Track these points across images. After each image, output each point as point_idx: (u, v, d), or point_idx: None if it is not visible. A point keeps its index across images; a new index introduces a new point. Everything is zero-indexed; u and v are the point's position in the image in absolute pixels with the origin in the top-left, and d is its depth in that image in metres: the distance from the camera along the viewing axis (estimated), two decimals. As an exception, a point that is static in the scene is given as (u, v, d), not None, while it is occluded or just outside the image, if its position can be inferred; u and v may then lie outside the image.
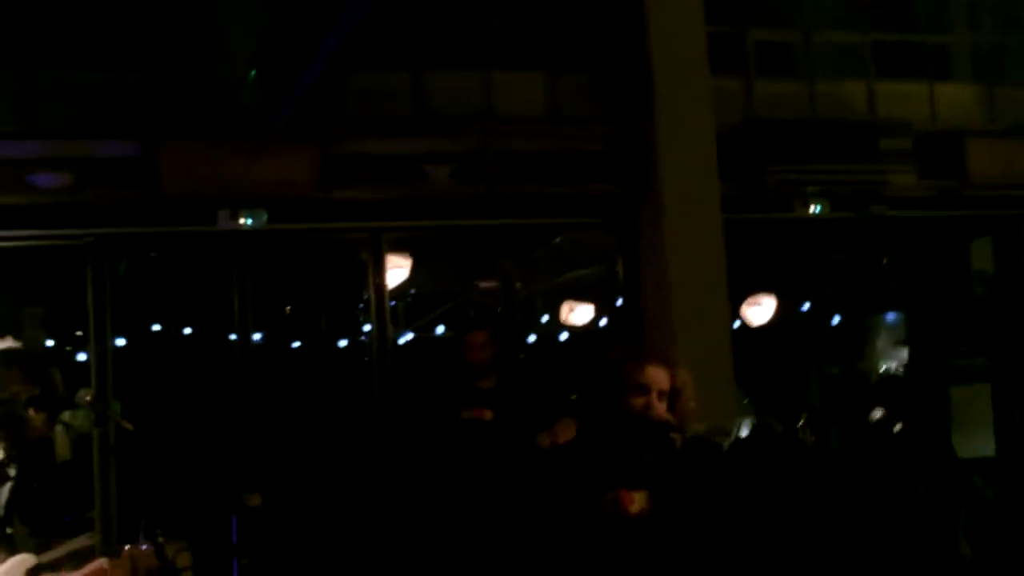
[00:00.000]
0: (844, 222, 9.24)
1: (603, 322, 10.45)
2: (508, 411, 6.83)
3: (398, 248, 8.77)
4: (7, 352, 4.74)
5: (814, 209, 8.78)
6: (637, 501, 4.49)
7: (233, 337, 8.37)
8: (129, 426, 5.37)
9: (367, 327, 8.77)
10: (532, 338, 11.40)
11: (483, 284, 11.50)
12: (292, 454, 9.76)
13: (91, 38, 7.89)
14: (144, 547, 5.15)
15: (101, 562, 5.07)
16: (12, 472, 4.58)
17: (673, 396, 4.54)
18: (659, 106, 8.31)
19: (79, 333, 9.31)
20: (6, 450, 4.51)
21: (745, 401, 8.48)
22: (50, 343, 10.05)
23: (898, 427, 6.05)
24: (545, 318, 11.79)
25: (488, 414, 6.84)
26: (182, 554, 7.63)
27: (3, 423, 4.42)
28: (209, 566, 7.62)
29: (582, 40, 8.81)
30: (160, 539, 5.19)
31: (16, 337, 8.72)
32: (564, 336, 11.47)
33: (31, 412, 4.45)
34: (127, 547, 5.15)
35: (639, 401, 4.47)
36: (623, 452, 4.55)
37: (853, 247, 10.11)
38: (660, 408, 4.49)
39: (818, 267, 9.56)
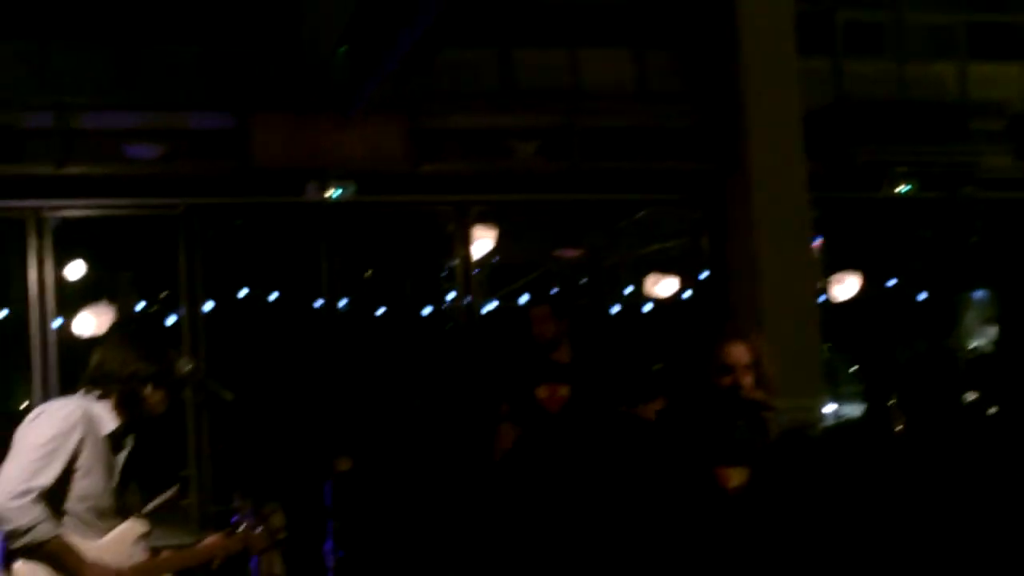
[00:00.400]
0: (933, 202, 9.16)
1: (687, 295, 10.46)
2: (585, 384, 6.75)
3: (484, 220, 8.83)
4: (125, 330, 4.86)
5: (902, 189, 8.71)
6: (735, 477, 4.59)
7: (319, 304, 8.48)
8: (230, 396, 5.47)
9: (450, 296, 8.87)
10: (616, 309, 11.45)
11: (567, 254, 11.57)
12: (380, 419, 9.92)
13: (187, 13, 8.01)
14: (258, 531, 5.23)
15: (214, 539, 5.18)
16: (129, 442, 4.70)
17: (755, 365, 4.71)
18: (746, 83, 8.26)
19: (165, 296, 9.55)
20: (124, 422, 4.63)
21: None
22: (141, 307, 10.30)
23: (993, 410, 5.97)
24: (629, 290, 11.82)
25: (564, 390, 6.78)
26: (275, 515, 7.82)
27: (123, 401, 4.55)
28: (303, 528, 7.81)
29: (669, 16, 8.77)
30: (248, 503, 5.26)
31: (110, 301, 8.96)
32: (648, 308, 11.49)
33: (149, 390, 4.55)
34: (242, 527, 5.24)
35: (727, 380, 4.67)
36: (717, 429, 4.67)
37: (941, 225, 10.01)
38: (748, 382, 4.68)
39: (905, 244, 9.46)
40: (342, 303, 8.73)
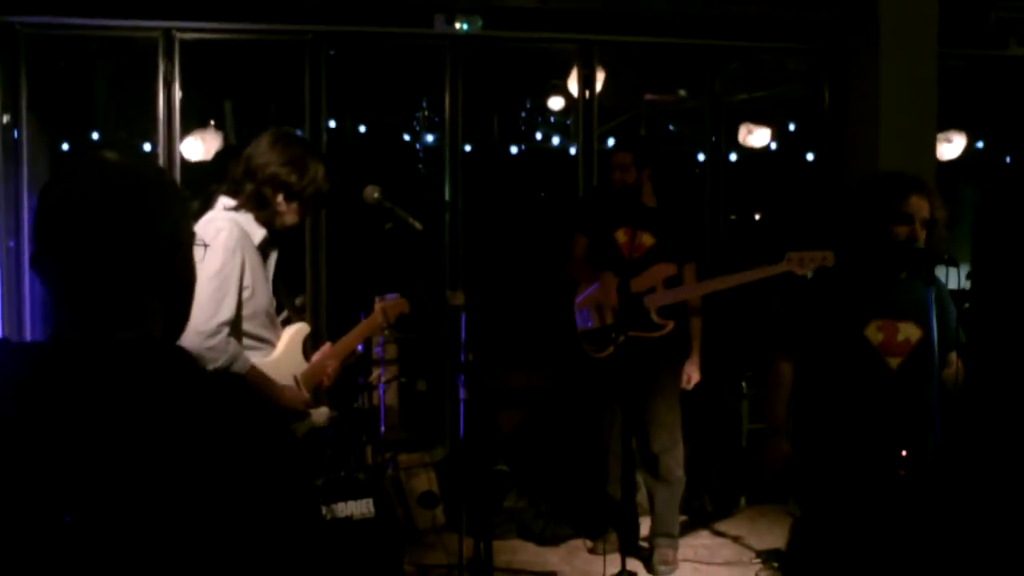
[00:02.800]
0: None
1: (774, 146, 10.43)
2: (670, 233, 6.72)
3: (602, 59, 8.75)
4: (279, 133, 4.79)
5: (1031, 47, 8.60)
6: (903, 331, 4.58)
7: (440, 135, 8.46)
8: (419, 226, 5.49)
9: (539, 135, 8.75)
10: (701, 157, 11.41)
11: (654, 98, 11.49)
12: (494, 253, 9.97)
13: None
14: (390, 296, 5.33)
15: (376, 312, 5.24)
16: (275, 249, 4.74)
17: (932, 224, 4.60)
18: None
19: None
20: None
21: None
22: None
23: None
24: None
25: (646, 237, 6.71)
26: (390, 345, 7.94)
27: (255, 204, 4.55)
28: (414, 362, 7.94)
29: None
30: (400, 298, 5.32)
31: (218, 127, 8.97)
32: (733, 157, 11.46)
33: (280, 199, 4.57)
34: (377, 299, 5.33)
35: (903, 230, 4.54)
36: (887, 280, 4.63)
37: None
38: (923, 236, 4.56)
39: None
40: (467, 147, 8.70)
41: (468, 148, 11.81)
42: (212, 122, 9.21)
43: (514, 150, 12.35)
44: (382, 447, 7.41)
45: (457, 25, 7.99)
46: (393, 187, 9.03)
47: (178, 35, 7.79)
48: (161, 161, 7.73)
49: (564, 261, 6.95)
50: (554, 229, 8.16)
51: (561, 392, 7.72)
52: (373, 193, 5.54)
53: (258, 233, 4.52)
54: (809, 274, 5.94)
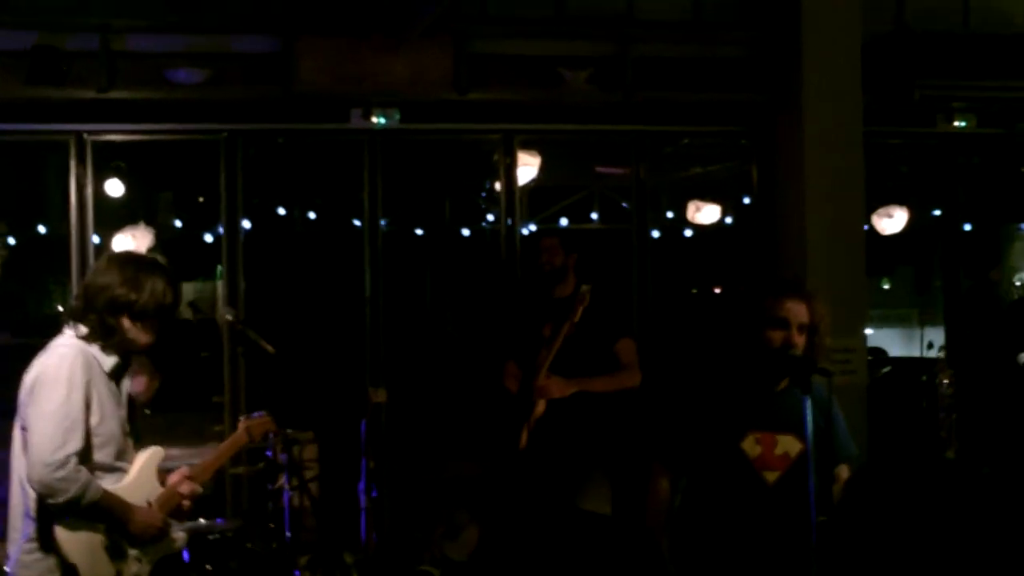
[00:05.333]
0: (988, 136, 8.97)
1: (728, 221, 10.34)
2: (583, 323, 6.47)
3: (528, 146, 8.68)
4: (115, 255, 4.73)
5: (959, 124, 8.53)
6: (782, 445, 4.42)
7: (357, 224, 8.38)
8: (271, 349, 5.41)
9: (490, 217, 8.73)
10: (656, 234, 11.34)
11: (607, 171, 11.43)
12: (417, 346, 9.86)
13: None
14: (256, 415, 5.25)
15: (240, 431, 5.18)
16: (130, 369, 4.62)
17: (811, 330, 4.43)
18: (805, 12, 8.02)
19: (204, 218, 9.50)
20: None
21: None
22: (179, 225, 10.27)
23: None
24: (670, 214, 11.70)
25: (566, 326, 6.46)
26: (309, 446, 7.82)
27: (101, 333, 4.44)
28: (337, 462, 7.80)
29: (724, -57, 8.53)
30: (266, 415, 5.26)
31: (148, 222, 8.89)
32: (688, 233, 11.39)
33: (127, 321, 4.45)
34: (241, 418, 5.27)
35: (777, 335, 4.38)
36: (765, 390, 4.48)
37: (992, 157, 9.83)
38: (800, 341, 4.39)
39: (953, 174, 9.27)
40: (382, 228, 8.61)
41: (420, 231, 11.83)
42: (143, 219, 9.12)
43: (466, 232, 12.26)
44: (294, 552, 7.26)
45: (374, 119, 7.93)
46: (341, 273, 9.11)
47: (89, 138, 7.73)
48: (74, 259, 7.66)
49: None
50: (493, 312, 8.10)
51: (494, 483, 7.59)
52: (226, 315, 5.45)
53: (108, 361, 4.41)
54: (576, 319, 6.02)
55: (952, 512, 2.34)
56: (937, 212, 9.54)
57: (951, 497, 2.59)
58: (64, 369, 4.23)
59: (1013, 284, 10.80)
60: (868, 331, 12.41)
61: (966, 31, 8.47)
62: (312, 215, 11.11)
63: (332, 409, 7.90)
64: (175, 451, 5.62)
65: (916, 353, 10.92)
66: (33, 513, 4.25)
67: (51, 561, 4.25)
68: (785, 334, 4.37)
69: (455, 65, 7.89)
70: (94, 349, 4.36)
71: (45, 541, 4.24)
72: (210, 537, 5.75)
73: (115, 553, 4.38)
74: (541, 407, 6.48)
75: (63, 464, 4.13)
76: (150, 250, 8.49)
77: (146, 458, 4.61)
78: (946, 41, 8.25)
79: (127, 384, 4.57)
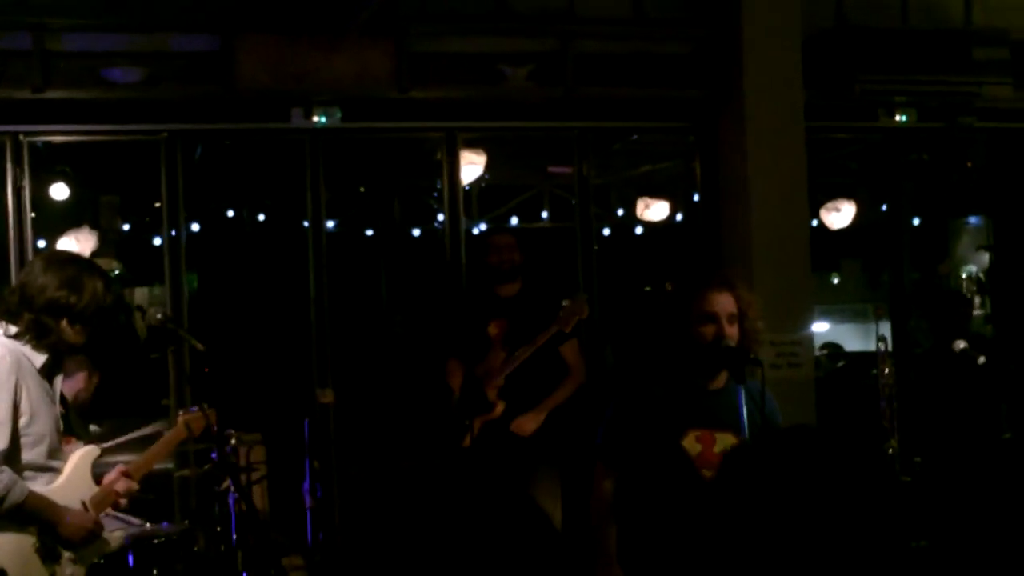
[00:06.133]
0: (930, 131, 9.02)
1: (678, 218, 10.36)
2: (522, 320, 6.66)
3: (473, 145, 8.67)
4: (50, 256, 4.72)
5: (900, 119, 8.58)
6: (720, 442, 4.40)
7: (305, 224, 8.34)
8: (200, 347, 5.37)
9: (440, 217, 8.71)
10: (607, 231, 11.36)
11: (557, 171, 11.44)
12: (365, 346, 9.83)
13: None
14: (194, 409, 5.24)
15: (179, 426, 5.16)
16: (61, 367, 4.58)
17: (740, 318, 4.44)
18: (745, 8, 8.04)
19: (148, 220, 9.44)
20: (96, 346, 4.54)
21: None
22: (126, 228, 10.20)
23: (982, 360, 5.89)
24: (620, 212, 11.73)
25: (504, 325, 6.72)
26: (256, 448, 7.77)
27: (36, 333, 4.39)
28: (283, 463, 7.76)
29: (666, -62, 8.53)
30: (206, 407, 5.24)
31: (93, 226, 8.82)
32: (639, 230, 11.42)
33: (64, 323, 4.41)
34: (180, 412, 5.26)
35: (708, 329, 4.38)
36: (699, 386, 4.46)
37: (937, 152, 9.90)
38: (732, 332, 4.39)
39: (898, 169, 9.31)
40: (330, 224, 8.57)
41: (369, 232, 11.79)
42: (87, 222, 9.05)
43: (416, 232, 12.24)
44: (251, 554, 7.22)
45: (315, 118, 7.88)
46: (289, 275, 9.06)
47: (25, 139, 7.64)
48: (13, 263, 7.57)
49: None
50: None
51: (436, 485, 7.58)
52: (156, 315, 5.45)
53: (39, 359, 4.37)
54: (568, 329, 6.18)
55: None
56: (884, 207, 9.58)
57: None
58: None
59: (961, 277, 10.87)
60: (824, 326, 12.50)
61: (905, 27, 8.51)
62: (262, 217, 11.07)
63: (279, 410, 7.87)
64: (126, 457, 5.57)
65: (872, 348, 11.00)
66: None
67: (-19, 565, 4.21)
68: (715, 327, 4.38)
69: (396, 63, 7.85)
70: (25, 348, 4.32)
71: (-28, 544, 4.20)
72: (155, 541, 5.70)
73: (47, 555, 4.34)
74: (500, 408, 6.53)
75: None
76: (94, 254, 8.45)
77: (79, 457, 4.58)
78: (886, 36, 8.28)
79: (59, 382, 4.53)
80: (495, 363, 6.61)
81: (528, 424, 6.59)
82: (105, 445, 5.13)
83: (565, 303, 6.46)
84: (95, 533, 4.49)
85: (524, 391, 6.62)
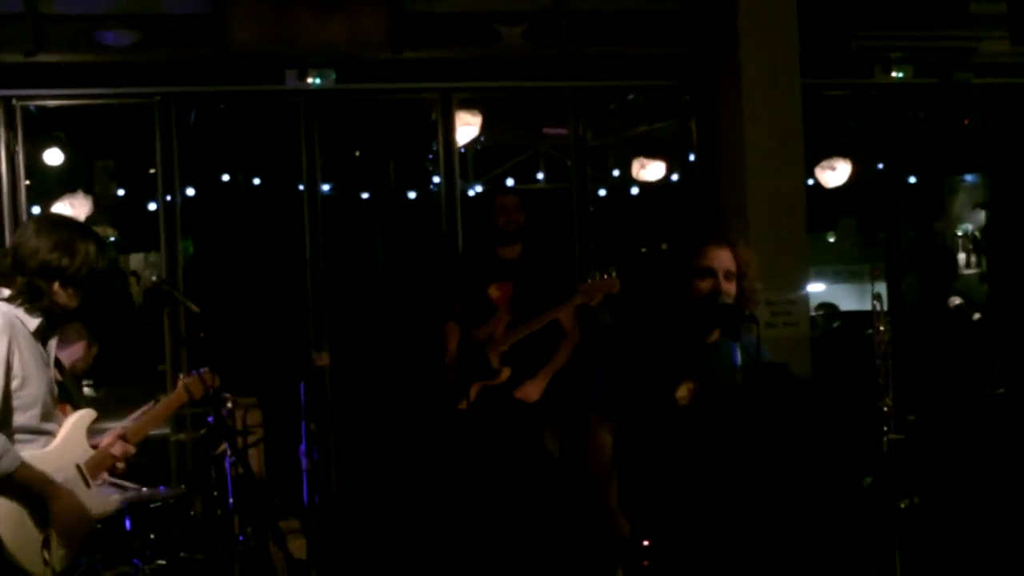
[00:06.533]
0: (926, 87, 8.98)
1: (674, 178, 10.33)
2: (528, 284, 6.59)
3: (468, 106, 8.64)
4: (43, 218, 4.71)
5: (896, 75, 8.55)
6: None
7: (301, 188, 8.32)
8: (196, 308, 5.36)
9: (436, 179, 8.69)
10: (603, 192, 11.32)
11: (552, 132, 11.40)
12: (362, 309, 9.82)
13: None
14: (195, 372, 5.23)
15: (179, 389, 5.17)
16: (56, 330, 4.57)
17: (739, 276, 4.44)
18: (740, -36, 8.01)
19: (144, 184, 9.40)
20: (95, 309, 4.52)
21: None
22: (121, 193, 10.17)
23: (976, 316, 5.89)
24: (616, 172, 11.69)
25: (507, 288, 6.62)
26: (252, 411, 7.78)
27: (28, 296, 4.37)
28: (279, 426, 7.76)
29: None
30: (207, 372, 5.25)
31: (87, 191, 8.80)
32: (635, 191, 11.38)
33: (56, 286, 4.38)
34: (180, 375, 5.25)
35: (705, 284, 4.38)
36: (696, 341, 4.47)
37: (934, 108, 9.86)
38: (729, 288, 4.39)
39: (895, 126, 9.28)
40: (325, 187, 8.56)
41: (365, 195, 11.75)
42: (81, 187, 9.03)
43: (412, 195, 12.20)
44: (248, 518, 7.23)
45: (309, 80, 7.87)
46: (285, 238, 9.06)
47: (18, 103, 7.62)
48: (8, 228, 7.57)
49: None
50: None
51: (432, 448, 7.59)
52: (151, 277, 5.43)
53: (32, 321, 4.34)
54: (593, 303, 6.15)
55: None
56: (881, 165, 9.55)
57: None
58: None
59: (956, 235, 10.86)
60: (821, 286, 12.51)
61: (901, -20, 8.47)
62: (257, 181, 11.04)
63: (275, 373, 7.87)
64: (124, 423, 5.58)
65: (867, 308, 11.00)
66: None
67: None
68: (713, 282, 4.38)
69: (390, 23, 7.82)
70: (18, 311, 4.30)
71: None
72: (152, 505, 5.71)
73: (42, 520, 4.32)
74: (505, 374, 6.49)
75: None
76: (89, 220, 8.44)
77: (75, 421, 4.54)
78: (881, -9, 8.25)
79: (53, 345, 4.51)
80: (498, 327, 6.54)
81: (534, 391, 6.53)
82: (126, 423, 5.12)
83: (595, 277, 6.35)
84: (83, 521, 4.44)
85: (526, 356, 6.54)
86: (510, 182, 11.43)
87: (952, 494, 6.27)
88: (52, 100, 7.86)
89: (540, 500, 6.56)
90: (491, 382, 6.48)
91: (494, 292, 6.65)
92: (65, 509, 4.33)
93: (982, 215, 10.47)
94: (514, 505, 6.49)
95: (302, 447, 6.29)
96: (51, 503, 4.29)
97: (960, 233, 10.90)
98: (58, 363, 4.61)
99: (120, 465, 4.69)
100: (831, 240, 13.00)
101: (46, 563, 4.25)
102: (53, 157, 8.25)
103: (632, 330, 5.10)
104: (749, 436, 4.31)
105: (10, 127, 7.62)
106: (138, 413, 5.47)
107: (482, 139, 9.36)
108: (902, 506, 5.30)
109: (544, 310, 6.51)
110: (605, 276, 6.34)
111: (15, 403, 4.23)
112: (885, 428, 5.30)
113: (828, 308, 12.02)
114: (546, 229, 8.40)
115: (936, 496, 6.14)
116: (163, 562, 5.62)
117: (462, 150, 8.74)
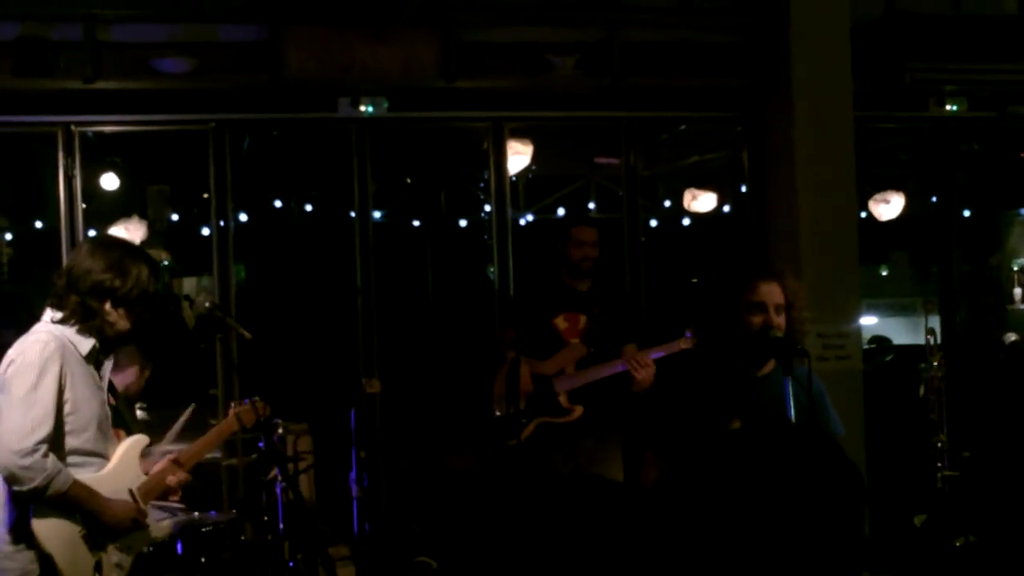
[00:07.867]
0: (981, 120, 8.91)
1: (726, 209, 10.30)
2: (602, 318, 6.40)
3: (520, 135, 8.66)
4: (97, 240, 4.78)
5: (951, 108, 8.49)
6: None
7: (352, 215, 8.36)
8: (248, 335, 5.39)
9: (487, 208, 8.71)
10: (654, 223, 11.30)
11: (604, 161, 11.39)
12: (413, 338, 9.84)
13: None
14: (247, 401, 5.27)
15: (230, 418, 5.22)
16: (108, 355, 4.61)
17: (788, 308, 4.46)
18: (794, -4, 7.98)
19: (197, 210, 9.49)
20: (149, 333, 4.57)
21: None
22: (175, 218, 10.26)
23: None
24: (667, 203, 11.67)
25: (583, 319, 6.43)
26: (303, 437, 7.81)
27: (81, 317, 4.42)
28: (330, 453, 7.79)
29: (713, -75, 8.48)
30: (258, 401, 5.29)
31: (142, 216, 8.89)
32: (686, 222, 11.35)
33: (108, 306, 4.44)
34: (232, 404, 5.30)
35: (757, 319, 4.40)
36: (746, 374, 4.45)
37: (989, 142, 9.78)
38: (780, 322, 4.41)
39: (949, 159, 9.21)
40: (375, 217, 8.60)
41: (416, 223, 11.80)
42: (135, 214, 9.12)
43: (464, 223, 12.23)
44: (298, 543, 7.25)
45: (362, 108, 7.92)
46: (336, 265, 9.11)
47: (77, 129, 7.73)
48: (64, 253, 7.65)
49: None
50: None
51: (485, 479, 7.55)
52: (204, 303, 5.46)
53: (85, 344, 4.39)
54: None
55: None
56: (935, 198, 9.48)
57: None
58: (35, 355, 4.22)
59: (1012, 270, 10.74)
60: (873, 320, 12.40)
61: (956, 13, 8.41)
62: (309, 207, 11.11)
63: (326, 400, 7.89)
64: (176, 447, 5.62)
65: (921, 341, 10.92)
66: (11, 502, 4.25)
67: (31, 553, 4.23)
68: (764, 317, 4.40)
69: (443, 52, 7.85)
70: (70, 333, 4.35)
71: (22, 531, 4.23)
72: (203, 529, 5.73)
73: (93, 543, 4.36)
74: (577, 412, 6.33)
75: (30, 452, 4.11)
76: (143, 244, 8.52)
77: (128, 446, 4.59)
78: (936, 24, 8.19)
79: (107, 368, 4.56)
80: (568, 361, 6.38)
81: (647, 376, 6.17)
82: (162, 447, 5.16)
83: (682, 342, 5.99)
84: (138, 523, 4.51)
85: (595, 394, 6.35)
86: (560, 212, 11.44)
87: (1009, 532, 6.18)
88: (109, 126, 7.94)
89: (607, 530, 6.50)
90: (558, 419, 6.35)
91: (561, 323, 6.50)
92: (119, 519, 4.40)
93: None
94: (576, 537, 6.43)
95: (352, 474, 6.30)
96: (103, 517, 4.34)
97: (1016, 268, 10.78)
98: (111, 387, 4.65)
99: (176, 495, 4.75)
100: (883, 273, 12.90)
101: None
102: (109, 182, 8.35)
103: (683, 365, 5.10)
104: (801, 473, 4.26)
105: (68, 152, 7.72)
106: (175, 431, 5.52)
107: (533, 168, 9.36)
108: (957, 544, 5.23)
109: (618, 346, 6.34)
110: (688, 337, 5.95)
111: (67, 427, 4.29)
112: (939, 464, 5.24)
113: (880, 341, 11.93)
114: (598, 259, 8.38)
115: (992, 534, 6.06)
116: (213, 586, 5.64)
117: (513, 179, 8.73)
